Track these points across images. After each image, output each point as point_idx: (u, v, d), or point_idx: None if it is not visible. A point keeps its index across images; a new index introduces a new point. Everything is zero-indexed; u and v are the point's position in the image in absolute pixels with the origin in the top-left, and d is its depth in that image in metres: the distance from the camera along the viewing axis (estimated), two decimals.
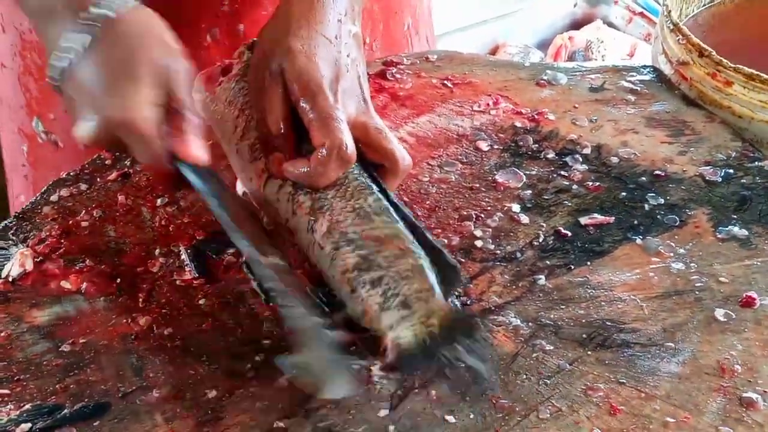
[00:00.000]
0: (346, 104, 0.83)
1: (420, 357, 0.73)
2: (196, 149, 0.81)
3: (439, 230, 0.91)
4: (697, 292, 0.83)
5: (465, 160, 1.00)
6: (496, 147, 1.02)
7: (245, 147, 0.86)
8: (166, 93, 0.81)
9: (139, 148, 0.80)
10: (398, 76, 1.14)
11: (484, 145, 1.02)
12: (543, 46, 2.72)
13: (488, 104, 1.08)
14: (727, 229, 0.89)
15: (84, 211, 0.95)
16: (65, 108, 0.85)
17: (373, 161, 0.84)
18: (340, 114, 0.80)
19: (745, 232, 0.89)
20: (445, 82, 1.12)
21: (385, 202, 0.81)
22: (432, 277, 0.77)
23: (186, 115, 0.82)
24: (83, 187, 0.98)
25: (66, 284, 0.87)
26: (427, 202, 0.94)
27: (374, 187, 0.82)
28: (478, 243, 0.89)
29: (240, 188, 0.89)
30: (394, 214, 0.81)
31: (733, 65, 1.03)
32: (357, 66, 0.87)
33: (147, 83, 0.79)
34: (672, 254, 0.87)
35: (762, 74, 1.01)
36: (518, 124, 1.05)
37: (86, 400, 0.76)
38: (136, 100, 0.79)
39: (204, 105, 0.91)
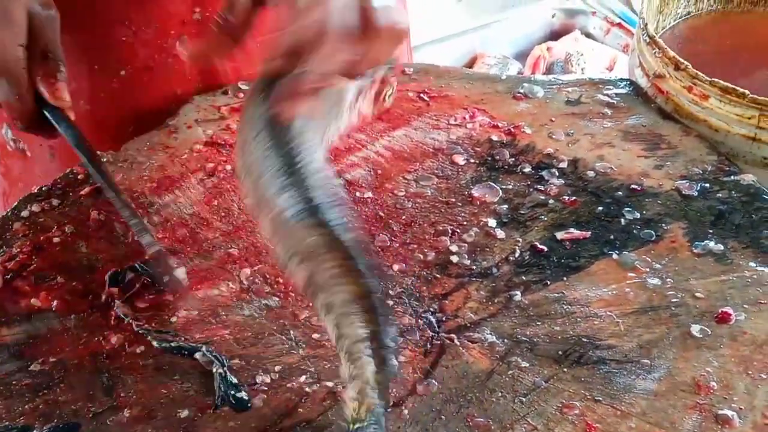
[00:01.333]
0: None
1: None
2: (61, 92, 0.86)
3: (415, 245, 0.90)
4: (672, 308, 0.82)
5: (441, 175, 0.99)
6: (472, 161, 1.01)
7: None
8: (37, 37, 0.85)
9: (4, 87, 0.85)
10: None
11: (460, 159, 1.01)
12: (521, 56, 2.72)
13: (464, 118, 1.07)
14: (703, 243, 0.89)
15: (56, 227, 0.94)
16: None
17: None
18: None
19: (721, 247, 0.88)
20: (422, 95, 1.12)
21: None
22: (360, 329, 0.67)
23: (53, 61, 0.86)
24: (55, 202, 0.97)
25: (36, 302, 0.86)
26: (403, 217, 0.94)
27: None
28: (454, 258, 0.89)
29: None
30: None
31: (709, 78, 1.03)
32: None
33: (18, 25, 0.84)
34: (648, 269, 0.86)
35: (738, 88, 1.01)
36: (494, 138, 1.04)
37: (56, 420, 0.75)
38: (6, 40, 0.83)
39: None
